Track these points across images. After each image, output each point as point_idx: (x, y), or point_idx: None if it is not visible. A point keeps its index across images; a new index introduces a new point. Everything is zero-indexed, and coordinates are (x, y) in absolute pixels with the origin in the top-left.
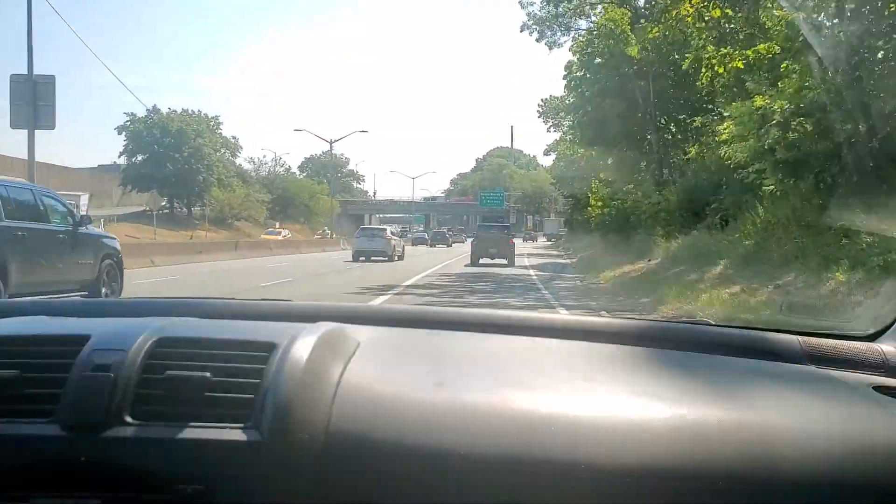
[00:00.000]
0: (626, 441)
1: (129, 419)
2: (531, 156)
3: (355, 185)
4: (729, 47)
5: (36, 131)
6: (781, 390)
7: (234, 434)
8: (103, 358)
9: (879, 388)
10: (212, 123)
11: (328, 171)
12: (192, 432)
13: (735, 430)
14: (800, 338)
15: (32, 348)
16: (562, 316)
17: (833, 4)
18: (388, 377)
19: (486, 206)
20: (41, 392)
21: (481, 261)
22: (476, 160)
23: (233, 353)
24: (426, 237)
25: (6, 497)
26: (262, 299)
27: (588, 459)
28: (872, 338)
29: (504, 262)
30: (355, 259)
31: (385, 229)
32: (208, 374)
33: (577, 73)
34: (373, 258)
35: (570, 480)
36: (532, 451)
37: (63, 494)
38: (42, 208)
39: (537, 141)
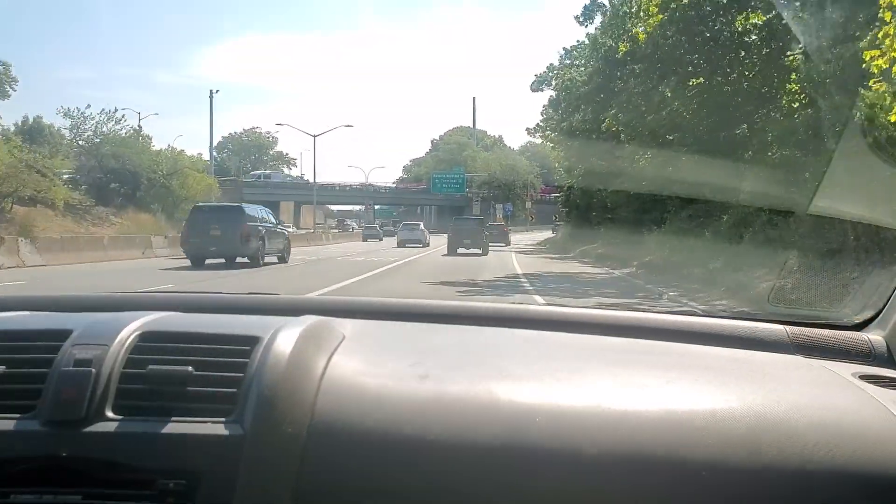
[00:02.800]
0: (612, 431)
1: (110, 414)
2: (496, 136)
3: (286, 170)
4: None
5: None
6: (768, 379)
7: (217, 428)
8: (85, 352)
9: (866, 377)
10: None
11: (252, 151)
12: (175, 427)
13: (721, 419)
14: (787, 327)
15: (14, 343)
16: (547, 308)
17: None
18: (373, 370)
19: (441, 191)
20: (23, 387)
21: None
22: (431, 142)
23: (215, 347)
24: (379, 232)
25: None
26: (247, 293)
27: (573, 449)
28: (859, 327)
29: (478, 251)
30: (399, 246)
31: (419, 224)
32: (190, 369)
33: None
34: (407, 245)
35: (555, 470)
36: (517, 442)
37: (44, 490)
38: (267, 216)
39: (504, 115)
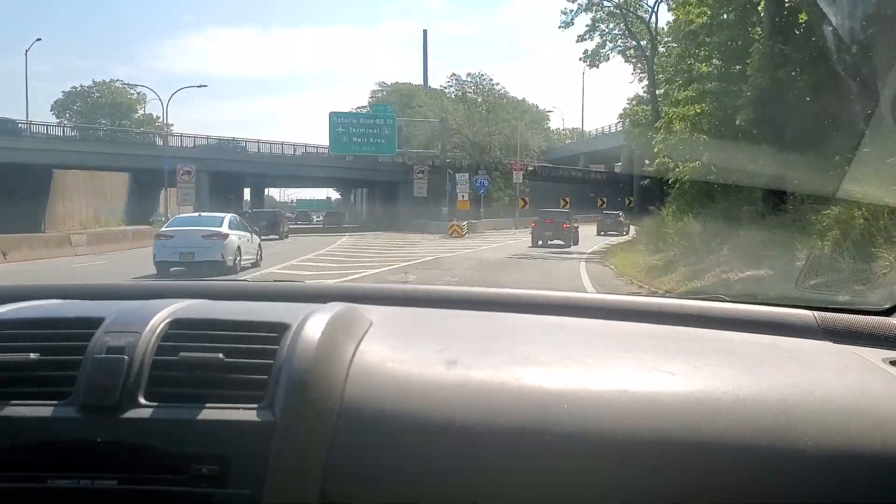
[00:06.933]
0: (640, 416)
1: (143, 400)
2: (459, 93)
3: (160, 142)
4: None
5: None
6: (797, 365)
7: (248, 414)
8: (117, 340)
9: (895, 363)
10: None
11: (108, 112)
12: (206, 413)
13: (751, 405)
14: (816, 313)
15: (48, 331)
16: (573, 294)
17: None
18: (400, 356)
19: (350, 150)
20: (58, 374)
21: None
22: (368, 101)
23: (245, 334)
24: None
25: (25, 478)
26: (275, 281)
27: (600, 435)
28: (888, 313)
29: (561, 243)
30: (324, 226)
31: (344, 214)
32: (221, 356)
33: None
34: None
35: (582, 456)
36: (544, 427)
37: (80, 475)
38: (282, 213)
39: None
